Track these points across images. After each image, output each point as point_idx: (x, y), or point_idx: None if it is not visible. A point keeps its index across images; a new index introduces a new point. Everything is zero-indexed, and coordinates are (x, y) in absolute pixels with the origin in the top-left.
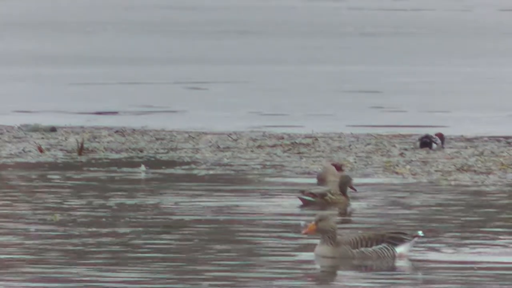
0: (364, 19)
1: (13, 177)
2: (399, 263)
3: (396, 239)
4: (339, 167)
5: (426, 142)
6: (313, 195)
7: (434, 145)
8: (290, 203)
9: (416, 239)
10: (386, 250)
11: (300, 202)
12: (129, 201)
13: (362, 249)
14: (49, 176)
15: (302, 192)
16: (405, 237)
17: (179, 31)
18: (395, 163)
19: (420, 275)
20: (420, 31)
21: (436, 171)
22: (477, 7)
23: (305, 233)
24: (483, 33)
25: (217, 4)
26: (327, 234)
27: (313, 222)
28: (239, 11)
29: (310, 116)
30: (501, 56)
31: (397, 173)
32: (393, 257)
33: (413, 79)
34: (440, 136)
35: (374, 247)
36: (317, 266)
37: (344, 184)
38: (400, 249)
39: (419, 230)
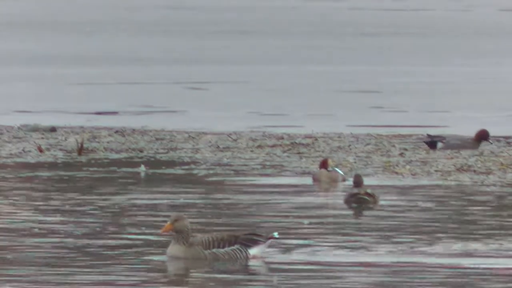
0: (364, 19)
1: (13, 177)
2: (254, 264)
3: (250, 241)
4: (324, 163)
5: (428, 142)
6: (369, 195)
7: (439, 144)
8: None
9: (271, 240)
10: (239, 251)
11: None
12: (129, 201)
13: (214, 250)
14: (49, 176)
15: (359, 192)
16: (259, 238)
17: (179, 31)
18: (395, 163)
19: (275, 277)
20: (420, 31)
21: (436, 171)
22: (477, 7)
23: (161, 233)
24: (483, 33)
25: (217, 4)
26: (182, 234)
27: (169, 222)
28: (239, 11)
29: (310, 116)
30: (501, 56)
31: (396, 173)
32: (246, 258)
33: (413, 79)
34: (483, 133)
35: (226, 248)
36: (169, 267)
37: (361, 183)
38: (254, 251)
39: (275, 232)
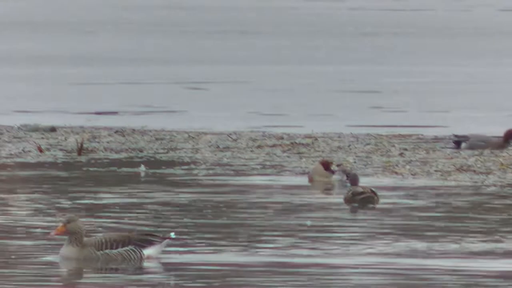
0: (364, 19)
1: (13, 177)
2: (149, 265)
3: (145, 241)
4: (327, 165)
5: (455, 142)
6: (374, 193)
7: (463, 144)
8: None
9: (167, 241)
10: (132, 252)
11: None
12: (130, 201)
13: (107, 251)
14: (49, 176)
15: (364, 191)
16: (154, 239)
17: (179, 31)
18: (395, 163)
19: (172, 278)
20: (420, 31)
21: (435, 171)
22: (477, 7)
23: (54, 235)
24: (483, 33)
25: (217, 4)
26: (75, 236)
27: (61, 224)
28: (239, 11)
29: (310, 116)
30: (501, 56)
31: (396, 173)
32: (140, 259)
33: (413, 79)
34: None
35: (119, 249)
36: (62, 268)
37: (358, 182)
38: (149, 251)
39: (172, 232)
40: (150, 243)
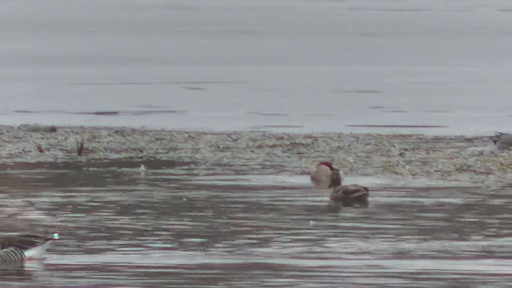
0: (364, 19)
1: (13, 177)
2: (30, 265)
3: (26, 243)
4: (328, 165)
5: (494, 140)
6: (366, 189)
7: (497, 143)
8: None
9: (50, 242)
10: (13, 253)
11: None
12: (130, 200)
13: None
14: (49, 176)
15: (358, 189)
16: (36, 240)
17: (179, 31)
18: (394, 163)
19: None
20: (420, 31)
21: (435, 171)
22: (477, 7)
23: None
24: (483, 33)
25: (217, 4)
26: None
27: None
28: (239, 11)
29: (310, 116)
30: (501, 56)
31: (396, 173)
32: (21, 260)
33: (413, 79)
34: None
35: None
36: None
37: (341, 181)
38: (30, 253)
39: (55, 233)
40: (31, 244)
